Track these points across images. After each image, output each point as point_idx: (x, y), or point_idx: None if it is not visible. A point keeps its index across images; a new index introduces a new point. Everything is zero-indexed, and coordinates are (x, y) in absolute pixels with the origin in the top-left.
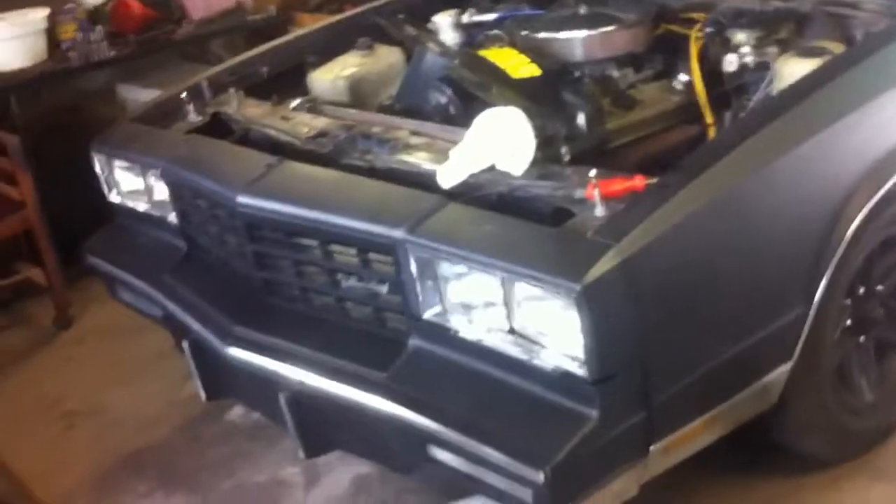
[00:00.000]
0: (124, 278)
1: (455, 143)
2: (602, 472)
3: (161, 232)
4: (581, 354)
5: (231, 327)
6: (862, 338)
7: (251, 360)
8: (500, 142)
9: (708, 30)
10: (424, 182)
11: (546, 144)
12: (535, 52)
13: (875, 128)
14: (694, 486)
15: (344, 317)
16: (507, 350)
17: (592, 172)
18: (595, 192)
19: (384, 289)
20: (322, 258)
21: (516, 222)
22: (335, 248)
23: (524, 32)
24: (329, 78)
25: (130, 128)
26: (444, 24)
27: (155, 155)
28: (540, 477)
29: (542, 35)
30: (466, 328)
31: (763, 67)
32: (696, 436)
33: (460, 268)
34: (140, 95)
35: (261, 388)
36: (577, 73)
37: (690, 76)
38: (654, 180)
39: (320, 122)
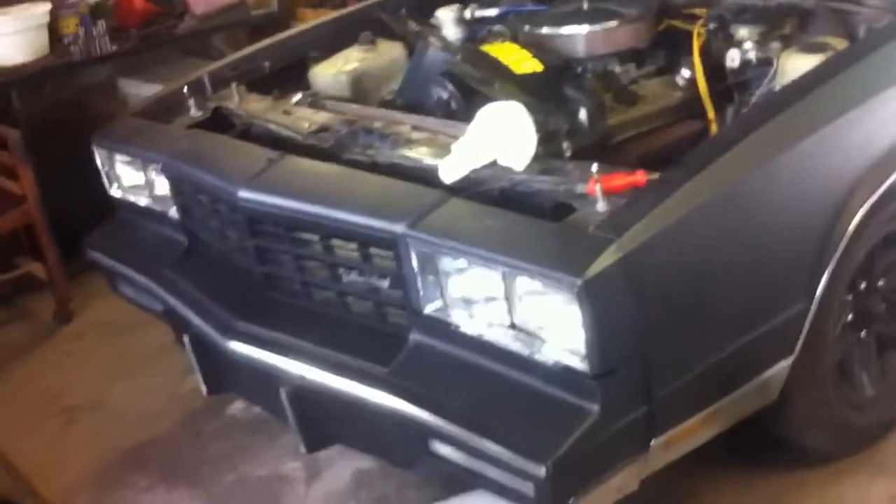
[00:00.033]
0: (125, 273)
1: (457, 138)
2: (603, 466)
3: (162, 226)
4: (582, 349)
5: (232, 322)
6: (863, 333)
7: (252, 355)
8: (502, 137)
9: (710, 25)
10: (426, 177)
11: (548, 140)
12: (538, 47)
13: (877, 123)
14: (694, 481)
15: (345, 311)
16: (509, 345)
17: (594, 167)
18: (597, 187)
19: (385, 283)
20: (323, 253)
21: (518, 217)
22: (336, 242)
23: (526, 28)
24: (331, 73)
25: (132, 122)
26: (447, 20)
27: (156, 149)
28: (541, 471)
29: (545, 30)
30: (467, 323)
31: (766, 63)
32: (697, 431)
33: (461, 262)
34: (141, 90)
35: (262, 383)
36: (579, 69)
37: (693, 72)
38: (656, 175)
39: (322, 117)
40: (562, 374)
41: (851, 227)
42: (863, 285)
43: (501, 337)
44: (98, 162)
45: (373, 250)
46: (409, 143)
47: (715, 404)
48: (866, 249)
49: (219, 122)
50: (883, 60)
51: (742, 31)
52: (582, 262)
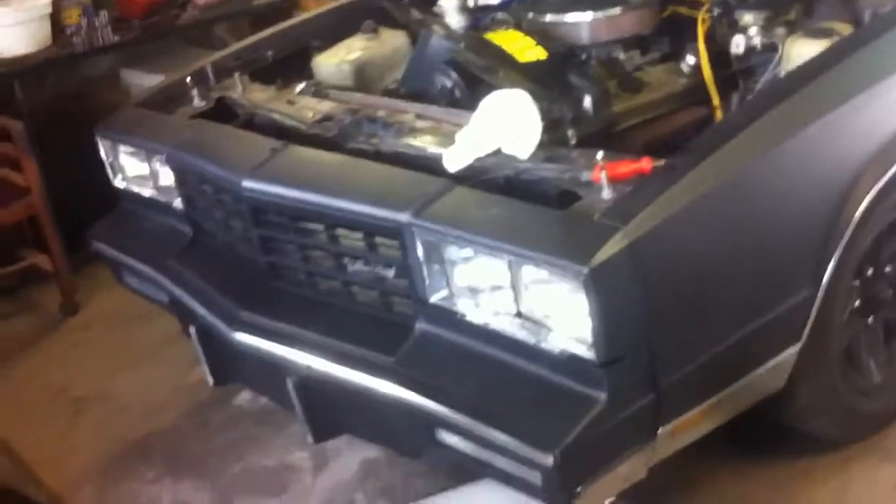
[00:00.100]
0: (130, 264)
1: (461, 126)
2: (610, 454)
3: (166, 217)
4: (589, 337)
5: (237, 312)
6: (870, 319)
7: (258, 346)
8: (507, 125)
9: (715, 11)
10: (430, 166)
11: (552, 127)
12: (541, 35)
13: (883, 109)
14: (698, 471)
15: (350, 301)
16: (515, 333)
17: (599, 155)
18: (602, 175)
19: (391, 273)
20: (328, 242)
21: (523, 205)
22: (341, 232)
23: (530, 15)
24: (334, 62)
25: (135, 113)
26: (450, 8)
27: (160, 140)
28: (549, 460)
29: (548, 18)
30: (473, 312)
31: (771, 49)
32: (704, 418)
33: (467, 251)
34: (144, 80)
35: (268, 373)
36: (583, 56)
37: (697, 58)
38: (662, 163)
39: (325, 107)
40: (568, 363)
41: (858, 214)
42: (870, 271)
43: (508, 326)
44: (102, 153)
45: (378, 239)
46: (413, 131)
47: (722, 392)
48: (873, 235)
49: (222, 111)
50: (888, 45)
51: (747, 17)
52: (588, 250)
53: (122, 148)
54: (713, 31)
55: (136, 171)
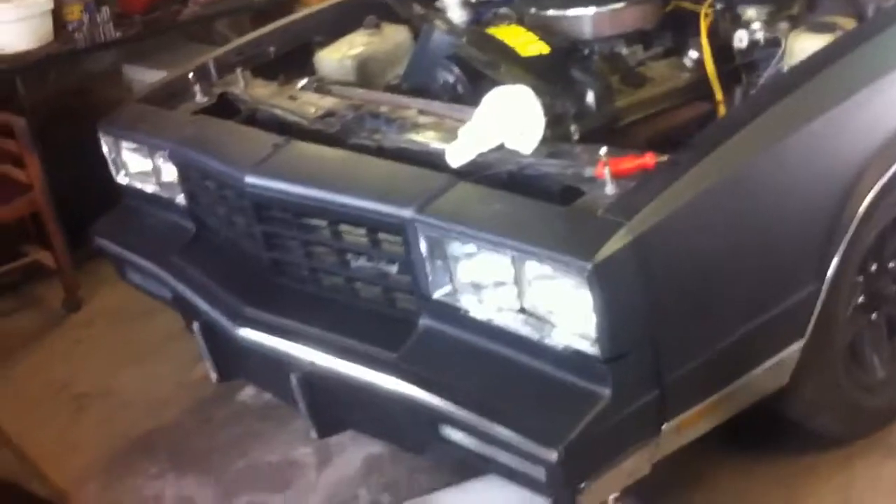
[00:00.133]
0: (133, 260)
1: (463, 121)
2: (615, 450)
3: (169, 213)
4: (593, 333)
5: (241, 308)
6: (874, 315)
7: (262, 341)
8: (510, 120)
9: (718, 6)
10: (433, 161)
11: (555, 122)
12: (544, 29)
13: (887, 104)
14: (704, 466)
15: (354, 297)
16: (518, 329)
17: (603, 150)
18: (605, 170)
19: (394, 269)
20: (331, 238)
21: (526, 201)
22: (344, 228)
23: (532, 10)
24: (336, 57)
25: (138, 109)
26: (452, 2)
27: (162, 136)
28: (553, 456)
29: (551, 12)
30: (477, 308)
31: (774, 43)
32: (708, 414)
33: (470, 247)
34: (146, 76)
35: (272, 369)
36: (586, 51)
37: (700, 53)
38: (665, 158)
39: (328, 102)
40: (572, 359)
41: (861, 209)
42: (873, 267)
43: (511, 321)
44: (104, 149)
45: (381, 235)
46: (416, 127)
47: (726, 387)
48: (877, 231)
49: (224, 107)
50: (892, 40)
51: (750, 12)
52: (591, 246)
53: (125, 144)
54: (716, 25)
55: (138, 167)
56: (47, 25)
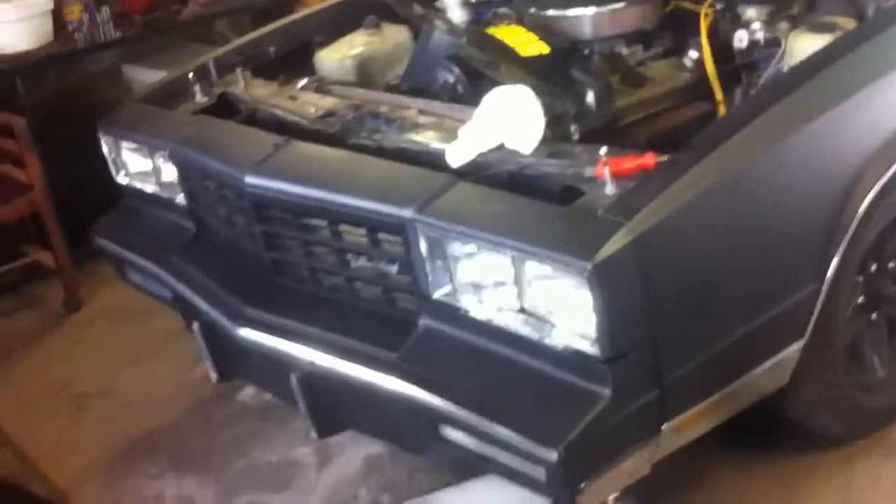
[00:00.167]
0: (133, 260)
1: (463, 121)
2: (615, 450)
3: (169, 213)
4: (593, 333)
5: (241, 308)
6: (874, 315)
7: (262, 341)
8: (509, 120)
9: (718, 6)
10: (433, 161)
11: (555, 122)
12: (544, 29)
13: (887, 104)
14: (704, 466)
15: (354, 297)
16: (518, 329)
17: (603, 150)
18: (605, 170)
19: (394, 269)
20: (331, 238)
21: (526, 201)
22: (344, 228)
23: (532, 10)
24: (336, 57)
25: (138, 109)
26: (452, 2)
27: (162, 136)
28: (553, 456)
29: (551, 12)
30: (477, 308)
31: (774, 43)
32: (708, 414)
33: (470, 247)
34: (146, 76)
35: (272, 369)
36: (586, 51)
37: (700, 53)
38: (665, 158)
39: (328, 102)
40: (572, 359)
41: (861, 209)
42: (873, 267)
43: (511, 321)
44: (104, 149)
45: (381, 235)
46: (416, 127)
47: (726, 388)
48: (877, 231)
49: (224, 107)
50: (892, 40)
51: (750, 12)
52: (591, 246)
53: (125, 144)
54: (716, 25)
55: (138, 167)
56: (47, 25)
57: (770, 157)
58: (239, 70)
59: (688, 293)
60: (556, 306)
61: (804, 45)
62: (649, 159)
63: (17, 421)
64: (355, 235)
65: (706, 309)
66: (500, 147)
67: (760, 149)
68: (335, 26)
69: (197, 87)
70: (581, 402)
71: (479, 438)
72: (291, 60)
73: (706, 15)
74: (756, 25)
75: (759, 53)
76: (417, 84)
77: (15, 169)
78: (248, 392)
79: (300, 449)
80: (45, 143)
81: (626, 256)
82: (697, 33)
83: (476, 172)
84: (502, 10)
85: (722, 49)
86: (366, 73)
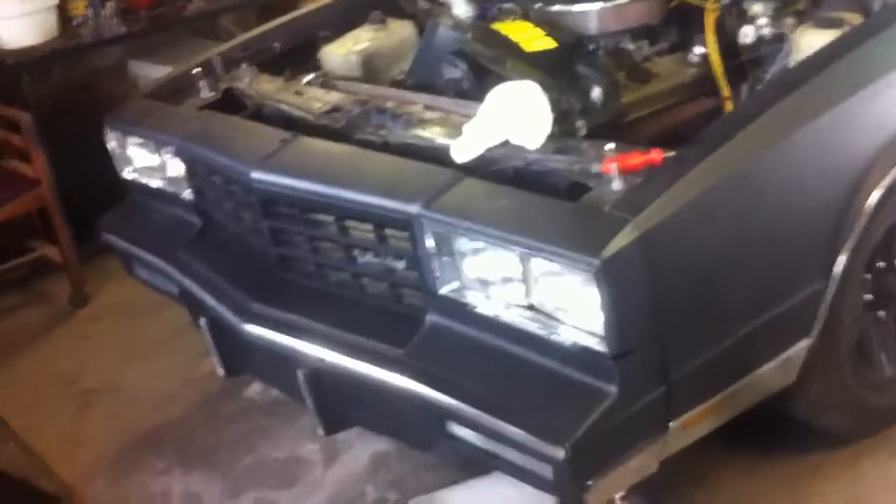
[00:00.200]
0: (140, 255)
1: (469, 117)
2: (622, 448)
3: (175, 208)
4: (600, 330)
5: (248, 304)
6: (882, 312)
7: (269, 337)
8: (516, 116)
9: (724, 1)
10: (439, 157)
11: (562, 118)
12: (550, 24)
13: (893, 99)
14: (710, 465)
15: (360, 293)
16: (526, 326)
17: (610, 146)
18: (612, 166)
19: (401, 264)
20: (338, 234)
21: (533, 197)
22: (351, 223)
23: (538, 5)
24: (341, 53)
25: (143, 104)
26: None
27: (168, 131)
28: (560, 453)
29: (556, 7)
30: (484, 304)
31: (780, 39)
32: (715, 412)
33: (477, 243)
34: (152, 72)
35: (279, 365)
36: (591, 46)
37: (706, 48)
38: (672, 154)
39: (333, 97)
40: (579, 355)
41: (869, 206)
42: (881, 264)
43: (518, 318)
44: (110, 144)
45: (388, 231)
46: (422, 122)
47: (733, 385)
48: (884, 228)
49: (230, 103)
50: None
51: (756, 7)
52: (599, 242)
53: (131, 139)
54: (722, 21)
55: (144, 162)
56: (52, 20)
57: (777, 153)
58: (244, 65)
59: (694, 289)
60: (563, 302)
61: (810, 40)
62: (656, 155)
63: (25, 416)
64: (362, 231)
65: (713, 305)
66: (506, 143)
67: (767, 145)
68: (341, 22)
69: (202, 83)
70: (588, 399)
71: (485, 435)
72: (297, 56)
73: (712, 10)
74: (762, 21)
75: (766, 49)
76: (423, 79)
77: (21, 164)
78: (255, 388)
79: (307, 445)
80: (50, 139)
81: (633, 252)
82: (703, 29)
83: (482, 168)
84: (507, 5)
85: (728, 45)
86: (371, 69)
